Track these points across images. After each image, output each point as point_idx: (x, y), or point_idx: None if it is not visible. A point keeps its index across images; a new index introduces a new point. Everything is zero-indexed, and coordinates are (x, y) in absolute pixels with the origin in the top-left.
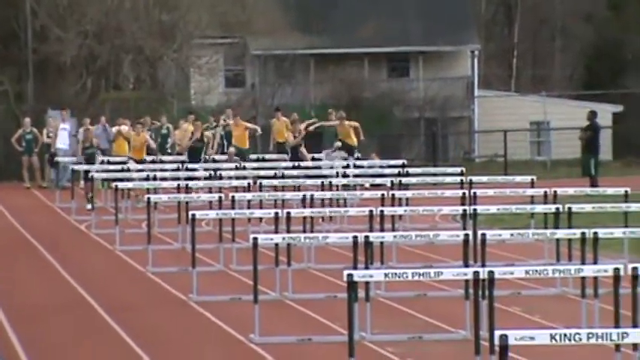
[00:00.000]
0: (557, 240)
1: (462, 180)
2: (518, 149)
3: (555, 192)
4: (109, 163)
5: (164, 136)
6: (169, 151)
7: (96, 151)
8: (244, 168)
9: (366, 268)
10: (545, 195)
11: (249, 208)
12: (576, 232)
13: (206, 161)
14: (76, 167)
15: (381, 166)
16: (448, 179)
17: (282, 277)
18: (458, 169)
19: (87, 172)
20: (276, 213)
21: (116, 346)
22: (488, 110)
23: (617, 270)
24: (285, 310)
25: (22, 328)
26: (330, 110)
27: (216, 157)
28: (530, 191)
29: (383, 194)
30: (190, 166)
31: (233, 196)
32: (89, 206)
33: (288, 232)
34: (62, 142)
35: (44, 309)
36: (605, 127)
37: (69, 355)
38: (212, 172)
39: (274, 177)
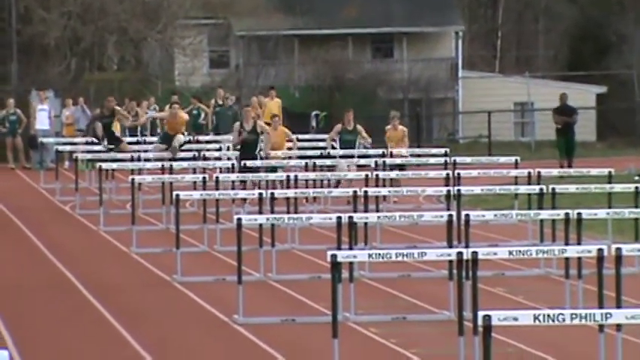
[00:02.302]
0: (541, 221)
1: (445, 161)
2: (502, 130)
3: (539, 173)
4: (92, 143)
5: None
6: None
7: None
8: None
9: (350, 248)
10: (529, 176)
11: (233, 188)
12: (560, 213)
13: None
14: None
15: (365, 147)
16: (432, 160)
17: (266, 258)
18: (442, 150)
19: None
20: (260, 194)
21: (100, 326)
22: (472, 91)
23: (600, 251)
24: (269, 290)
25: (5, 308)
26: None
27: (201, 137)
28: (514, 172)
29: (367, 175)
30: (249, 163)
31: (217, 177)
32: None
33: (272, 212)
34: (41, 123)
35: (28, 289)
36: (589, 107)
37: (52, 334)
38: (196, 153)
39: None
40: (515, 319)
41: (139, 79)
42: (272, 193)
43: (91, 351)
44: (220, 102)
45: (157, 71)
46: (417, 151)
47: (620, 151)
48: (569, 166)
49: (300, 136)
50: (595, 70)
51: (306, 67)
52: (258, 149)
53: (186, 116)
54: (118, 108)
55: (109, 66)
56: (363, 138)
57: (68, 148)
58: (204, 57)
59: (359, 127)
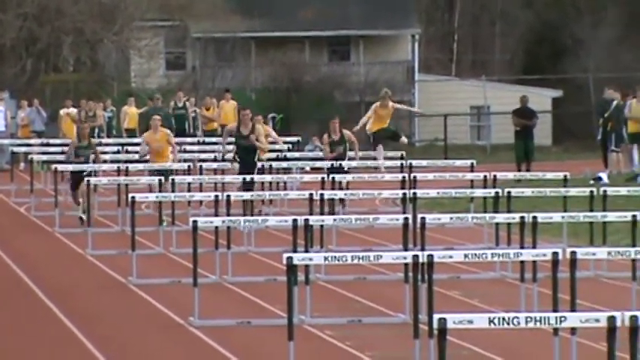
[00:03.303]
0: (497, 224)
1: (402, 164)
2: (458, 133)
3: (495, 176)
4: (48, 145)
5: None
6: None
7: (91, 153)
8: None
9: (306, 251)
10: (485, 179)
11: (189, 191)
12: (515, 217)
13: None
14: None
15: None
16: (388, 163)
17: (221, 260)
18: (398, 153)
19: (80, 176)
20: (216, 196)
21: (55, 328)
22: (429, 94)
23: (555, 254)
24: (225, 293)
25: None
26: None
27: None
28: (469, 175)
29: (323, 177)
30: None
31: (173, 179)
32: (84, 216)
33: (228, 215)
34: None
35: None
36: (544, 111)
37: (8, 338)
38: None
39: (214, 160)
40: (471, 322)
41: (95, 80)
42: (228, 196)
43: (45, 354)
44: (180, 104)
45: (113, 72)
46: (373, 153)
47: (576, 155)
48: (528, 170)
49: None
50: (551, 73)
51: (263, 70)
52: (257, 156)
53: (167, 131)
54: (94, 140)
55: (64, 67)
56: (352, 143)
57: (23, 149)
58: (161, 59)
59: (346, 133)
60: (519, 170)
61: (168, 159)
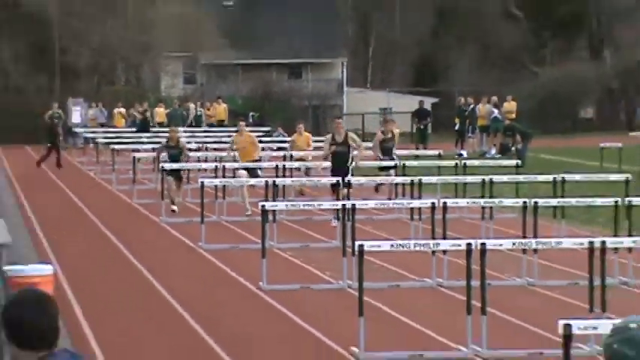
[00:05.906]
0: (396, 184)
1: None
2: (372, 126)
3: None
4: (108, 132)
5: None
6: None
7: (180, 153)
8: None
9: (274, 201)
10: None
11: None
12: (407, 179)
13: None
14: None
15: (284, 136)
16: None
17: (219, 208)
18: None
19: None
20: (216, 166)
21: (135, 279)
22: (353, 101)
23: (433, 203)
24: (220, 226)
25: None
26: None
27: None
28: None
29: (284, 155)
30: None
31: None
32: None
33: (224, 177)
34: (75, 119)
35: None
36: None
37: (102, 289)
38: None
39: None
40: (379, 246)
41: (137, 92)
42: (223, 166)
43: (130, 300)
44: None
45: (149, 86)
46: (316, 139)
47: (447, 140)
48: (425, 149)
49: None
50: (431, 87)
51: (246, 84)
52: (350, 162)
53: (253, 137)
54: (182, 140)
55: (118, 82)
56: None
57: (92, 135)
58: (180, 77)
59: (395, 131)
60: (417, 149)
61: (254, 156)
